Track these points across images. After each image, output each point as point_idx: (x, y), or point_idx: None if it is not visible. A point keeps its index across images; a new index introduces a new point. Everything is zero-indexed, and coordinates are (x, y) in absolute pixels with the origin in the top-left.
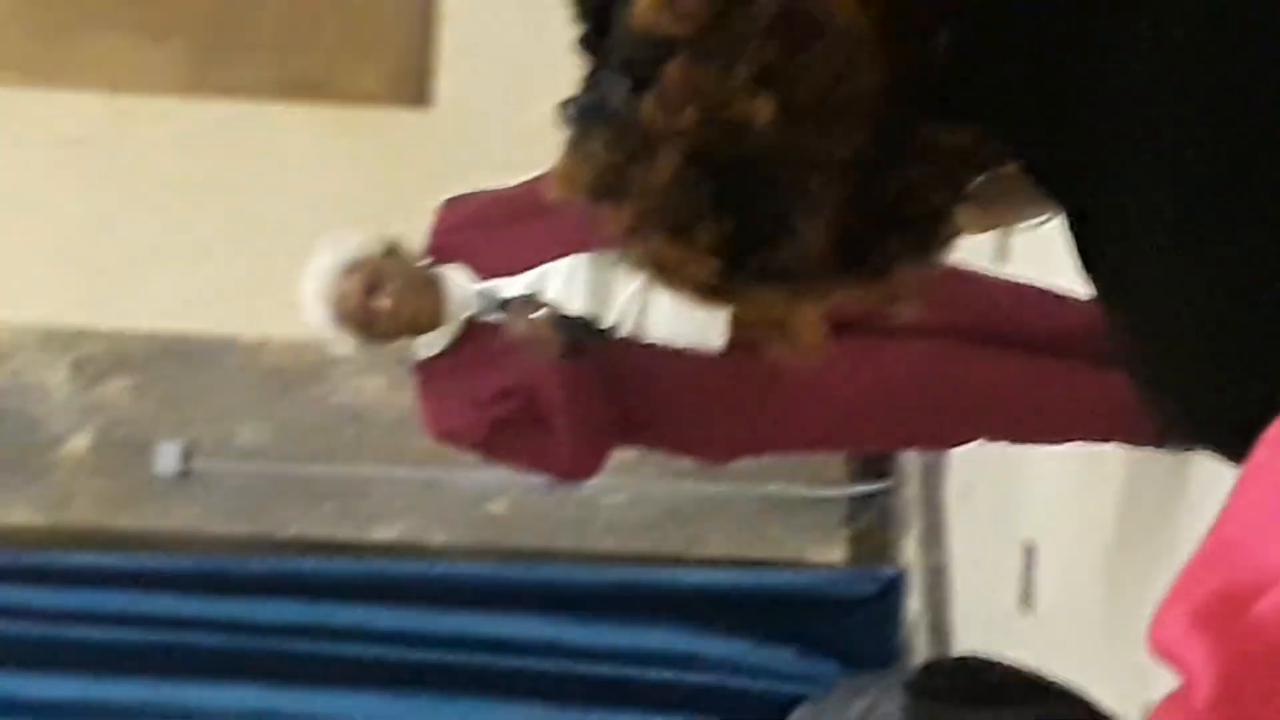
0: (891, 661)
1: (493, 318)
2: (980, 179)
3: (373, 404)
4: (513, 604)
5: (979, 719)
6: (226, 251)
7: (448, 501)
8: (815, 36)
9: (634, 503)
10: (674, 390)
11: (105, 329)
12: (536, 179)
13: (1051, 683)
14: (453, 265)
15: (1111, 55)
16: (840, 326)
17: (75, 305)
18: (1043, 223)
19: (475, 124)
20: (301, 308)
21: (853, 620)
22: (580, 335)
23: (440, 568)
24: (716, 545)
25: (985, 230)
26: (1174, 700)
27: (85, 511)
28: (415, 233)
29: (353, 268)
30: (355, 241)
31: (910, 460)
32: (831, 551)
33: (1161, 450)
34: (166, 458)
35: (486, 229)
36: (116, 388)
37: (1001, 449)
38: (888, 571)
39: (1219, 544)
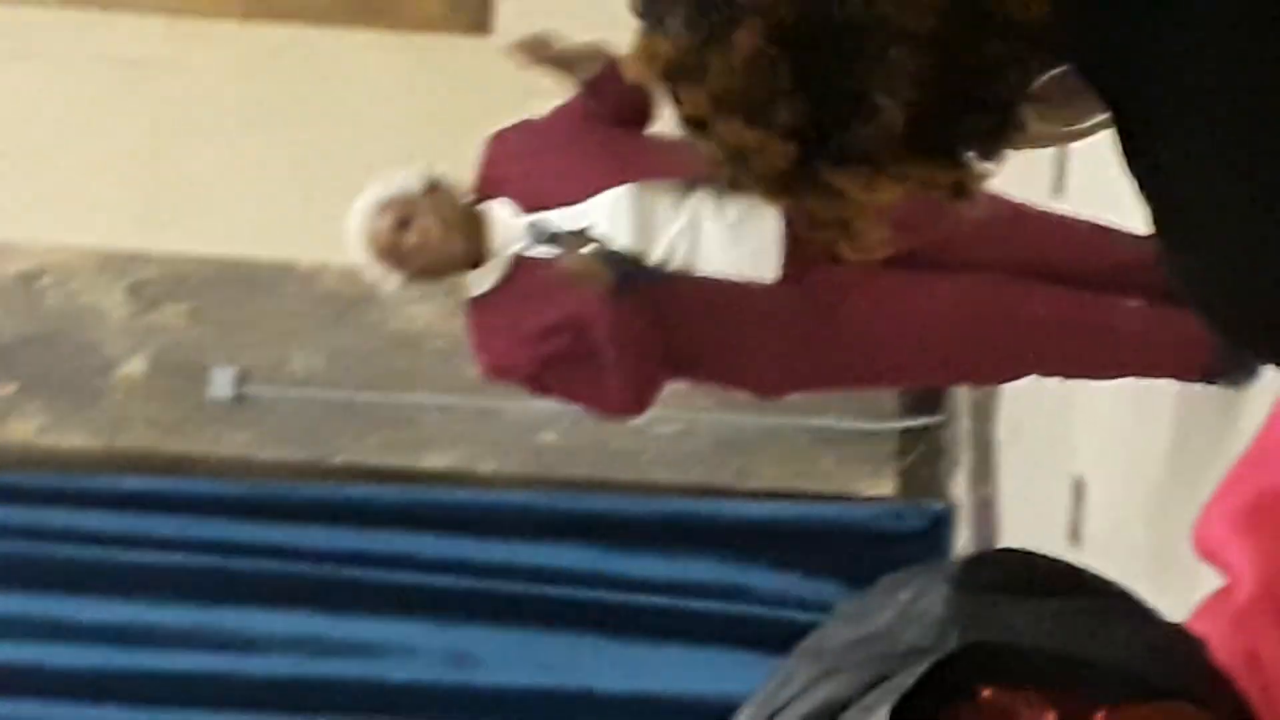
0: None
1: (542, 252)
2: (1044, 77)
3: (426, 332)
4: (562, 534)
5: (1021, 610)
6: (284, 177)
7: (499, 430)
8: None
9: (685, 434)
10: (726, 324)
11: (162, 253)
12: (572, 101)
13: (1094, 576)
14: (499, 200)
15: None
16: (893, 262)
17: (132, 229)
18: (1097, 128)
19: None
20: (348, 244)
21: (902, 554)
22: (629, 270)
23: (490, 496)
24: (767, 477)
25: (1046, 137)
26: (1217, 597)
27: (139, 436)
28: (471, 161)
29: (387, 205)
30: (398, 179)
31: (961, 395)
32: (881, 485)
33: (1212, 386)
34: (221, 383)
35: (533, 159)
36: (172, 312)
37: (1052, 385)
38: (937, 506)
39: (1261, 450)
